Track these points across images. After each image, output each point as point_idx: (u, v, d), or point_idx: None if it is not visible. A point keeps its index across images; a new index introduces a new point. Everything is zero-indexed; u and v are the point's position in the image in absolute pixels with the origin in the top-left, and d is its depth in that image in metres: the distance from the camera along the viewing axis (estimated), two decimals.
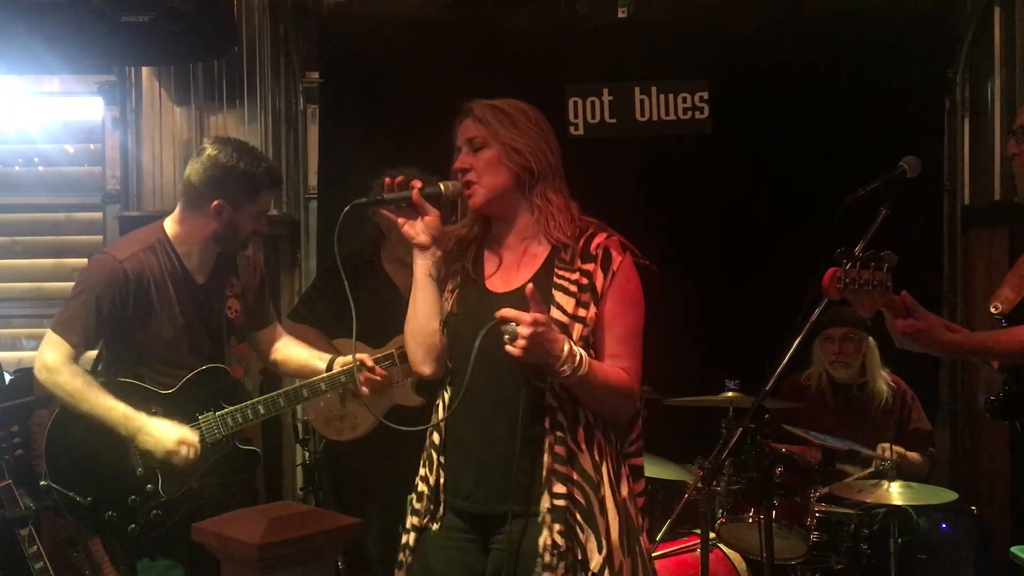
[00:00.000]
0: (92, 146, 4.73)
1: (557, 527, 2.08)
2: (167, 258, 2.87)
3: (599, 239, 2.21)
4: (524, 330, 1.98)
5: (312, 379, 2.95)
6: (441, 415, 2.25)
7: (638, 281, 2.22)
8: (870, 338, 4.14)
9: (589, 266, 2.17)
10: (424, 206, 2.20)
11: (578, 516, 2.11)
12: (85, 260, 4.33)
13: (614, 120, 4.72)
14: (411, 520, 2.28)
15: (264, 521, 2.12)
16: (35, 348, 4.67)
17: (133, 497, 2.82)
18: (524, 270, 2.22)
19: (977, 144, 4.80)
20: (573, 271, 2.17)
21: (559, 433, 2.12)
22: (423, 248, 2.24)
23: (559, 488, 2.10)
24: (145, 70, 4.50)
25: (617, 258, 2.18)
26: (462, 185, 2.22)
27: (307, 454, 4.21)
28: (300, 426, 4.12)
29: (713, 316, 4.58)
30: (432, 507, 2.24)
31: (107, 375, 2.89)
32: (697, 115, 4.71)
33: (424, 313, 2.25)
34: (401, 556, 2.29)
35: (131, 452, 2.81)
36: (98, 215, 4.63)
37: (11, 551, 3.31)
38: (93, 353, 2.97)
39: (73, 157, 4.78)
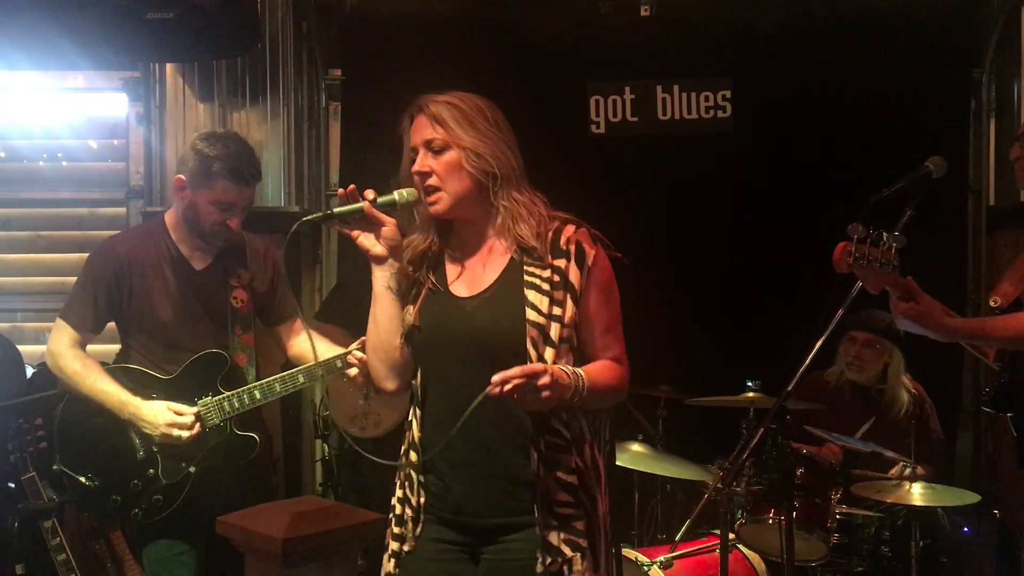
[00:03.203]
0: (116, 142, 4.75)
1: (551, 535, 2.04)
2: (163, 244, 3.02)
3: (568, 232, 2.13)
4: (544, 379, 1.89)
5: (308, 365, 2.94)
6: (415, 433, 2.16)
7: (611, 269, 2.18)
8: (896, 348, 4.08)
9: (560, 262, 2.09)
10: (378, 217, 2.10)
11: (572, 523, 2.06)
12: None
13: (636, 119, 4.71)
14: (391, 546, 2.19)
15: (288, 515, 2.14)
16: None
17: (135, 481, 2.90)
18: (490, 271, 2.15)
19: (1002, 145, 4.75)
20: (544, 268, 2.09)
21: (548, 438, 2.06)
22: (380, 260, 2.13)
23: (551, 496, 2.05)
24: (169, 66, 4.52)
25: (591, 251, 2.12)
26: (423, 190, 2.13)
27: (327, 449, 4.23)
28: (320, 422, 4.13)
29: (734, 315, 4.56)
30: (412, 527, 2.16)
31: (118, 362, 3.00)
32: (719, 114, 4.69)
33: (385, 328, 2.15)
34: None
35: (132, 436, 2.91)
36: (121, 210, 4.66)
37: (34, 543, 3.34)
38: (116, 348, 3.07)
39: (97, 153, 4.81)
